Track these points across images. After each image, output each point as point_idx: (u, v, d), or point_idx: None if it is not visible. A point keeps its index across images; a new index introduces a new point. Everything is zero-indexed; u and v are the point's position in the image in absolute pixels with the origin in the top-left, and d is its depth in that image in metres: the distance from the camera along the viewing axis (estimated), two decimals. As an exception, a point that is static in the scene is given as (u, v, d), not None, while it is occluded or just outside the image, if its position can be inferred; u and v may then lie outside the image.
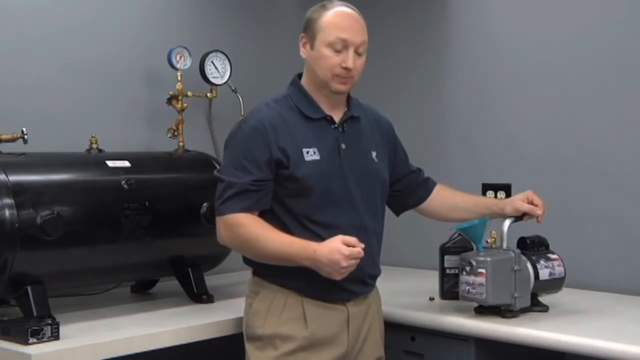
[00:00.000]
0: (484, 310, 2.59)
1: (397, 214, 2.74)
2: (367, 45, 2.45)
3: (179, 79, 3.24)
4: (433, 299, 2.86)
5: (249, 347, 2.47)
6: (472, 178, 3.14)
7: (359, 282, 2.45)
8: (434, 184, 2.74)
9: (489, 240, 2.74)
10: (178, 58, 3.24)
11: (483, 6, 3.43)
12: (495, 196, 2.94)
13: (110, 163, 2.77)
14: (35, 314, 2.47)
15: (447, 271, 2.85)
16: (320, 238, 2.36)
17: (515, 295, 2.54)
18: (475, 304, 2.59)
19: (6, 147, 2.69)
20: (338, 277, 2.31)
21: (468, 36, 3.48)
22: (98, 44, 3.22)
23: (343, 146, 2.46)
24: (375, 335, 2.55)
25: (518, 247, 2.65)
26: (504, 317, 2.55)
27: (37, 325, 2.33)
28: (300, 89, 2.49)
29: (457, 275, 2.71)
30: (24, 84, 3.00)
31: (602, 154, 3.07)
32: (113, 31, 3.27)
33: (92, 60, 3.20)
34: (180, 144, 3.20)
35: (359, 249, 2.29)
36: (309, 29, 2.45)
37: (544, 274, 2.62)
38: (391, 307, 2.71)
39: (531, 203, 2.62)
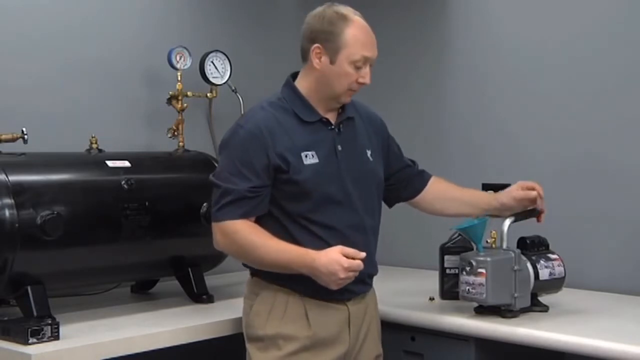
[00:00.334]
0: (484, 310, 2.59)
1: (390, 206, 2.71)
2: None
3: (179, 79, 3.24)
4: (433, 299, 2.86)
5: (251, 348, 2.46)
6: (472, 178, 3.13)
7: (358, 282, 2.44)
8: (429, 177, 2.72)
9: (489, 240, 2.74)
10: (178, 58, 3.24)
11: (483, 6, 3.43)
12: (496, 196, 2.93)
13: (110, 163, 2.77)
14: (35, 314, 2.47)
15: (447, 271, 2.85)
16: (320, 238, 2.36)
17: (515, 295, 2.54)
18: (475, 304, 2.59)
19: (6, 147, 2.69)
20: (335, 288, 2.31)
21: (468, 36, 3.48)
22: (98, 44, 3.22)
23: (339, 148, 2.45)
24: (373, 333, 2.55)
25: (518, 247, 2.65)
26: (504, 317, 2.55)
27: (37, 325, 2.33)
28: (295, 91, 2.46)
29: (457, 275, 2.71)
30: (24, 84, 3.00)
31: (602, 154, 3.07)
32: (113, 31, 3.27)
33: (92, 60, 3.20)
34: (180, 144, 3.20)
35: (358, 262, 2.29)
36: (329, 42, 2.37)
37: (544, 274, 2.62)
38: (391, 307, 2.71)
39: (526, 189, 2.61)
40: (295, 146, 2.39)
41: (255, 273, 2.48)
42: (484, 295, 2.51)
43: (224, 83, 3.42)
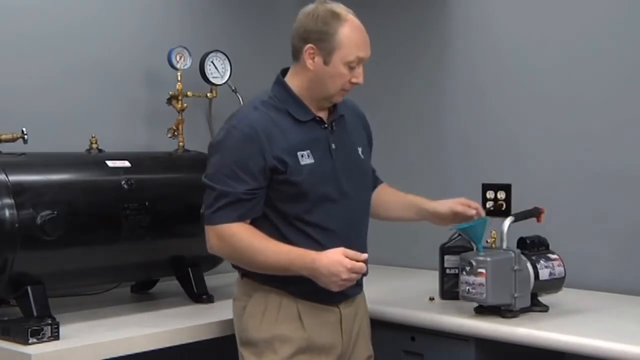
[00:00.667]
0: (484, 310, 2.58)
1: None
2: None
3: (179, 79, 3.25)
4: (433, 299, 2.85)
5: (245, 353, 2.41)
6: (472, 178, 3.14)
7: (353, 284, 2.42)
8: (379, 183, 2.69)
9: (489, 240, 2.74)
10: (178, 58, 3.24)
11: (483, 6, 3.43)
12: (496, 196, 2.93)
13: (110, 163, 2.77)
14: (35, 314, 2.47)
15: (447, 271, 2.85)
16: (314, 240, 2.34)
17: (515, 295, 2.54)
18: (475, 304, 2.59)
19: (6, 147, 2.69)
20: (336, 289, 2.29)
21: (468, 36, 3.47)
22: (98, 44, 3.23)
23: (333, 146, 2.43)
24: (364, 334, 2.54)
25: (518, 247, 2.65)
26: (504, 317, 2.54)
27: (37, 325, 2.33)
28: (287, 89, 2.42)
29: (457, 275, 2.71)
30: (24, 84, 3.01)
31: (603, 154, 3.07)
32: (113, 31, 3.27)
33: (92, 60, 3.20)
34: (180, 144, 3.20)
35: (361, 264, 2.27)
36: (323, 42, 2.34)
37: (544, 274, 2.62)
38: (391, 307, 2.72)
39: (467, 206, 2.57)
40: (291, 146, 2.36)
41: (247, 274, 2.43)
42: (484, 295, 2.51)
43: (224, 83, 3.42)
